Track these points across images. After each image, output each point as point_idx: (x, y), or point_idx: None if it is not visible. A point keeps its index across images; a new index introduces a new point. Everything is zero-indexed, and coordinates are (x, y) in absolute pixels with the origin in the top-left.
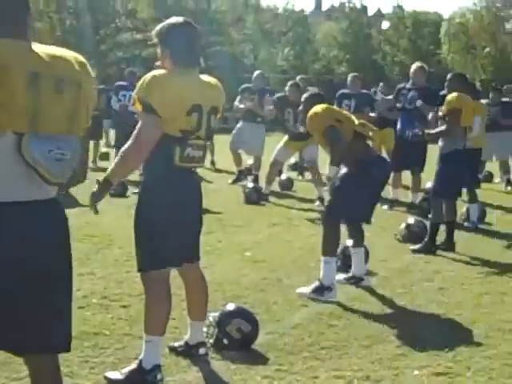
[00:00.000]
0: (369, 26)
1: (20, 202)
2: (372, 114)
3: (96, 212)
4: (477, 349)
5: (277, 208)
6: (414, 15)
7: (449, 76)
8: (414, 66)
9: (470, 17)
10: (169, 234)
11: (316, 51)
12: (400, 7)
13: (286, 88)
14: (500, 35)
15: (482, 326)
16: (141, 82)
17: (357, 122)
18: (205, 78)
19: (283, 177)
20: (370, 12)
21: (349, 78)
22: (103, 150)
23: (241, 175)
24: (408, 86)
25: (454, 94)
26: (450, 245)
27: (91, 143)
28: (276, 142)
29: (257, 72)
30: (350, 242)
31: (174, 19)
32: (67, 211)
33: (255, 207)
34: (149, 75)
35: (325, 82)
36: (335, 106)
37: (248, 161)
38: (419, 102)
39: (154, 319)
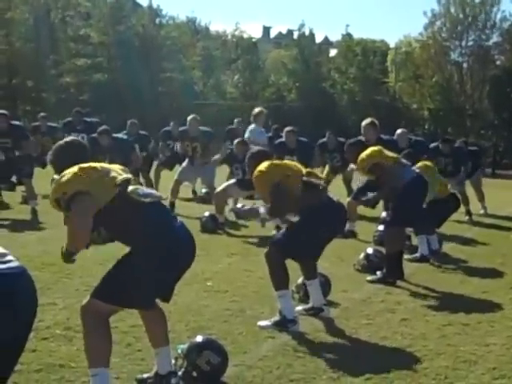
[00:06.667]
0: (318, 53)
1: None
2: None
3: None
4: (445, 381)
5: (234, 237)
6: (362, 43)
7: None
8: (364, 123)
9: (416, 46)
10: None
11: (266, 78)
12: (349, 35)
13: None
14: (446, 65)
15: (448, 358)
16: None
17: (304, 171)
18: None
19: (239, 205)
20: (317, 39)
21: (284, 134)
22: None
23: (172, 207)
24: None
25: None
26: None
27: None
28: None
29: (190, 117)
30: (303, 277)
31: None
32: (25, 239)
33: (212, 236)
34: None
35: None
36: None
37: (202, 189)
38: None
39: (98, 350)
